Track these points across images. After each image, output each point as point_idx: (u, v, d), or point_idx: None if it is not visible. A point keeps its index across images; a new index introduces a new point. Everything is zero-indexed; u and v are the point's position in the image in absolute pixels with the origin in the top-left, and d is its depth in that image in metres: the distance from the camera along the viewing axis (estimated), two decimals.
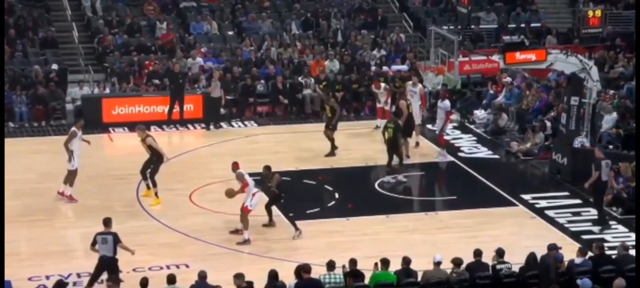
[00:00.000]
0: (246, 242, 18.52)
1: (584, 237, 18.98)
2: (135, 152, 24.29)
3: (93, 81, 29.09)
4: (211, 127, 26.99)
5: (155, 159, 20.96)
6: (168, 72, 28.08)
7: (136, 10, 32.50)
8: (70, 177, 20.79)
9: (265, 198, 19.16)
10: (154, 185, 20.82)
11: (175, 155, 24.28)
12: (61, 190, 20.81)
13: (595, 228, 19.41)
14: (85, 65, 29.94)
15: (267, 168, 19.45)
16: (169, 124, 27.06)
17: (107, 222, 16.17)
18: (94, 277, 16.01)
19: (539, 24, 33.80)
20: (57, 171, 22.57)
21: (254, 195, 18.68)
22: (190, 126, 27.23)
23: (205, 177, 22.43)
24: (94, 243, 15.99)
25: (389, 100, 26.26)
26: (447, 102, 25.15)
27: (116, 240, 15.89)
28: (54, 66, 28.85)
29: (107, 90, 28.02)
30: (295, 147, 25.26)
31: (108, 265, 15.78)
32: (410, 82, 25.43)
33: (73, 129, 21.16)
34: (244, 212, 18.57)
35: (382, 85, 26.44)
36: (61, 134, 26.51)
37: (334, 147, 24.01)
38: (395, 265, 15.50)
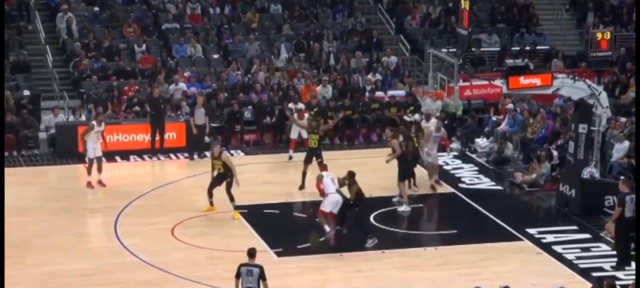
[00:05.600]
0: (328, 234, 19.72)
1: (594, 274, 18.86)
2: (112, 183, 24.28)
3: (68, 108, 28.99)
4: (195, 156, 26.91)
5: (229, 174, 21.69)
6: (149, 97, 28.04)
7: (115, 32, 32.45)
8: (89, 167, 23.96)
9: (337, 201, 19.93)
10: (232, 199, 21.62)
11: (156, 186, 24.18)
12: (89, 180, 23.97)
13: (617, 273, 18.94)
14: (59, 91, 29.86)
15: (351, 174, 20.37)
16: (150, 154, 26.97)
17: (252, 253, 16.12)
18: None
19: (544, 47, 33.86)
20: (27, 205, 22.44)
21: (327, 195, 19.90)
22: (172, 155, 27.15)
23: (189, 209, 22.31)
24: (238, 275, 15.97)
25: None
26: (434, 120, 25.09)
27: (262, 275, 15.82)
28: (26, 92, 28.75)
29: (83, 118, 27.90)
30: (285, 177, 25.15)
31: None
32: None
33: (92, 122, 24.35)
34: (320, 214, 19.99)
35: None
36: (33, 164, 26.44)
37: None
38: None
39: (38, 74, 30.70)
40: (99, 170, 24.13)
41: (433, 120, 25.10)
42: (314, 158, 23.63)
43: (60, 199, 23.21)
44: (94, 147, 24.03)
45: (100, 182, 24.10)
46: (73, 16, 32.25)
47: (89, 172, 23.99)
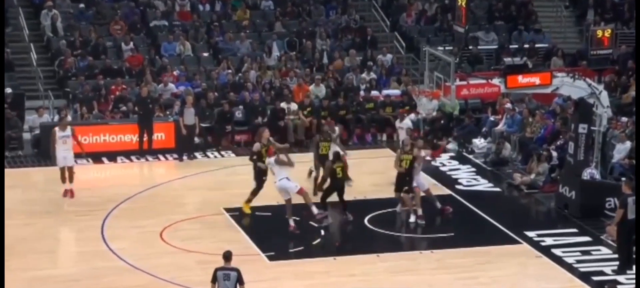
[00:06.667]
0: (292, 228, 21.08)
1: (595, 278, 18.90)
2: (99, 185, 24.26)
3: (53, 107, 28.96)
4: (184, 157, 26.91)
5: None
6: (138, 97, 28.03)
7: (101, 29, 32.45)
8: (61, 175, 23.36)
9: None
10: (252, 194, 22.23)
11: (144, 188, 24.18)
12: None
13: (619, 276, 18.94)
14: (44, 90, 29.85)
15: (336, 155, 21.70)
16: (138, 155, 26.96)
17: (227, 256, 15.77)
18: None
19: (544, 45, 33.92)
20: (10, 208, 22.38)
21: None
22: (161, 157, 27.15)
23: (178, 212, 22.32)
24: (214, 279, 15.64)
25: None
26: (408, 121, 24.99)
27: (239, 278, 15.54)
28: (9, 90, 28.72)
29: (69, 118, 27.84)
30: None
31: None
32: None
33: (54, 129, 23.55)
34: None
35: (337, 128, 25.51)
36: (17, 166, 26.41)
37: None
38: None
39: (22, 73, 30.68)
40: (70, 179, 23.34)
41: (406, 121, 24.99)
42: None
43: (46, 202, 23.17)
44: (64, 156, 23.27)
45: (70, 191, 23.36)
46: (58, 13, 32.25)
47: (63, 181, 23.37)
